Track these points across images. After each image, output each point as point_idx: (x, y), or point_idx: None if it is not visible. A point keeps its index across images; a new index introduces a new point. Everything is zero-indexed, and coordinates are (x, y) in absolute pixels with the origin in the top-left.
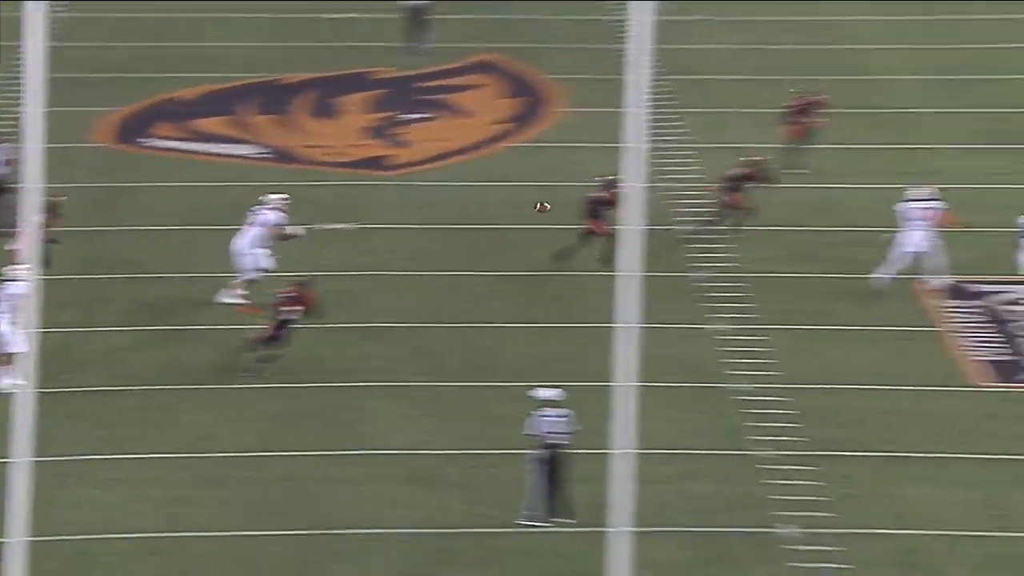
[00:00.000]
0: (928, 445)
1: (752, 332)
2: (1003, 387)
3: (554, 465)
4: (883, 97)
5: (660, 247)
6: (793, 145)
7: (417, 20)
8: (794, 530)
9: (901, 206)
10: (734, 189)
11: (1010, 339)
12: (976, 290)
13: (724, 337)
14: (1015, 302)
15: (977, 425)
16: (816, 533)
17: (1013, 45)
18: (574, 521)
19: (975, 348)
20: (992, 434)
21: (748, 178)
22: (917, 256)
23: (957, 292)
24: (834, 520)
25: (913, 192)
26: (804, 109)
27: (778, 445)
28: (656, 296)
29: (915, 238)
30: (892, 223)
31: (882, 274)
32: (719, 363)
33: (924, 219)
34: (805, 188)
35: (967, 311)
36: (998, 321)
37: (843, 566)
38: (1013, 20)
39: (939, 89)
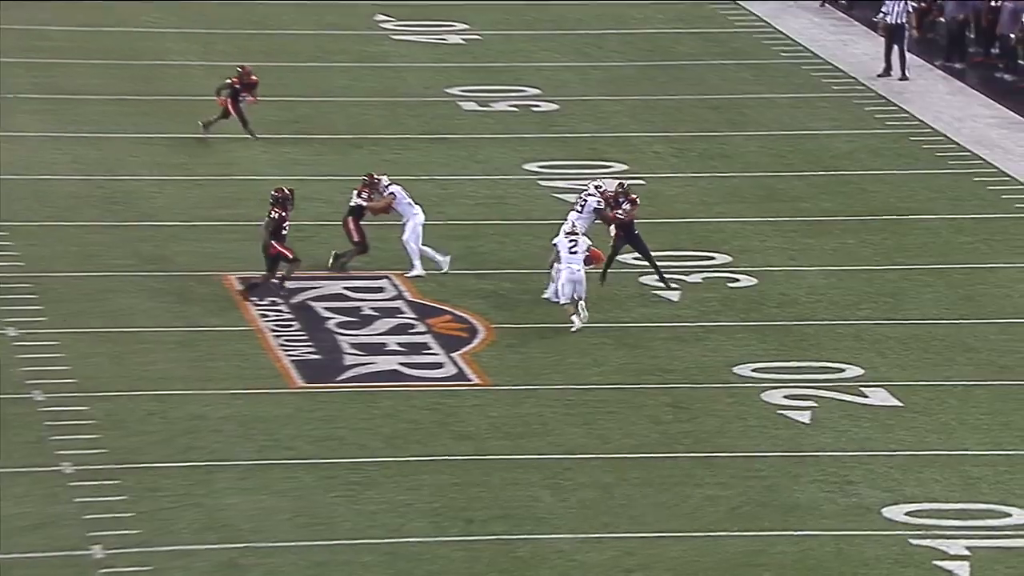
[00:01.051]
0: (240, 451)
1: (44, 336)
2: (315, 387)
3: None
4: (172, 85)
5: None
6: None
7: None
8: (100, 550)
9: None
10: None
11: (324, 338)
12: (293, 287)
13: (18, 343)
14: (329, 298)
15: (288, 428)
16: (125, 552)
17: (299, 32)
18: None
19: (289, 348)
20: (302, 436)
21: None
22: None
23: (269, 290)
24: (143, 537)
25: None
26: (241, 88)
27: (83, 459)
28: None
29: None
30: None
31: (419, 271)
32: (14, 371)
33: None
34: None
35: (281, 309)
36: (312, 319)
37: None
38: (301, 6)
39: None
